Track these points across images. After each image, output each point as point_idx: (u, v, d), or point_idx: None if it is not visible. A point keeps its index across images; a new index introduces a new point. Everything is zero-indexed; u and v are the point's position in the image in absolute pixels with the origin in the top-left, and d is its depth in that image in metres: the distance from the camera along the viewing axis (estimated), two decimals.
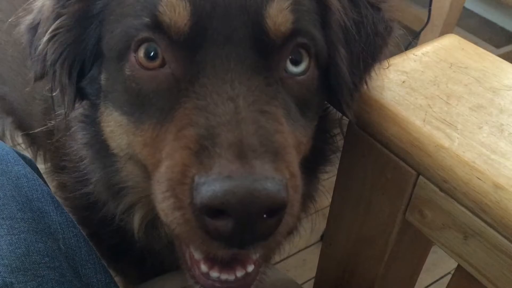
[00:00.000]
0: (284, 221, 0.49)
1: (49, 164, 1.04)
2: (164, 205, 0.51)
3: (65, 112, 0.67)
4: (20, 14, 0.70)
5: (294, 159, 0.54)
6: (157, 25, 0.55)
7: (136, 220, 0.73)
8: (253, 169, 0.46)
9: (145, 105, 0.57)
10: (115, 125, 0.62)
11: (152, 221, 0.72)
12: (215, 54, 0.54)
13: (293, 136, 0.58)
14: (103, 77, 0.63)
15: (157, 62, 0.56)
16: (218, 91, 0.52)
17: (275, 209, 0.47)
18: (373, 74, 0.67)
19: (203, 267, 0.57)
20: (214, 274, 0.56)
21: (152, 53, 0.57)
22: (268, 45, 0.56)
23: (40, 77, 0.68)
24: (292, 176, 0.51)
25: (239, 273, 0.56)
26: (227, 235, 0.47)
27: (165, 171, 0.52)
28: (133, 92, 0.58)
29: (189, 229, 0.49)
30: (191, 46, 0.55)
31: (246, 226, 0.46)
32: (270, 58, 0.57)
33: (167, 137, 0.54)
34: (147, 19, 0.56)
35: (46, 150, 1.12)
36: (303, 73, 0.60)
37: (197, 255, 0.58)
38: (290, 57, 0.59)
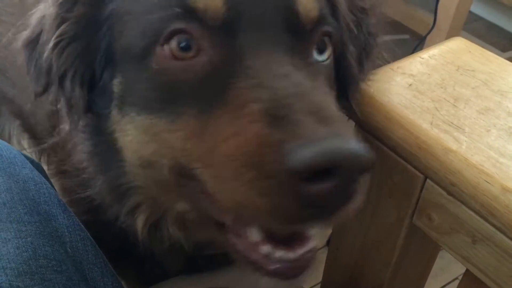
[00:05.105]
0: (360, 188, 0.49)
1: (52, 166, 1.04)
2: (237, 183, 0.48)
3: (73, 125, 0.65)
4: (20, 28, 0.67)
5: None
6: (190, 14, 0.54)
7: (140, 222, 0.71)
8: (342, 133, 0.46)
9: (179, 97, 0.55)
10: (138, 132, 0.59)
11: (156, 223, 0.71)
12: (254, 38, 0.54)
13: None
14: (116, 81, 0.60)
15: (191, 52, 0.55)
16: (268, 70, 0.52)
17: (368, 170, 0.47)
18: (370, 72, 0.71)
19: (265, 248, 0.55)
20: (279, 253, 0.54)
21: (183, 44, 0.55)
22: (300, 30, 0.57)
23: (43, 91, 0.65)
24: None
25: (301, 251, 0.55)
26: (328, 198, 0.46)
27: (234, 149, 0.49)
28: (164, 87, 0.56)
29: (278, 198, 0.46)
30: (228, 31, 0.55)
31: (346, 186, 0.46)
32: (302, 43, 0.58)
33: (221, 122, 0.52)
34: (177, 9, 0.54)
35: (49, 153, 1.12)
36: (325, 61, 0.62)
37: (255, 236, 0.55)
38: (316, 45, 0.60)
